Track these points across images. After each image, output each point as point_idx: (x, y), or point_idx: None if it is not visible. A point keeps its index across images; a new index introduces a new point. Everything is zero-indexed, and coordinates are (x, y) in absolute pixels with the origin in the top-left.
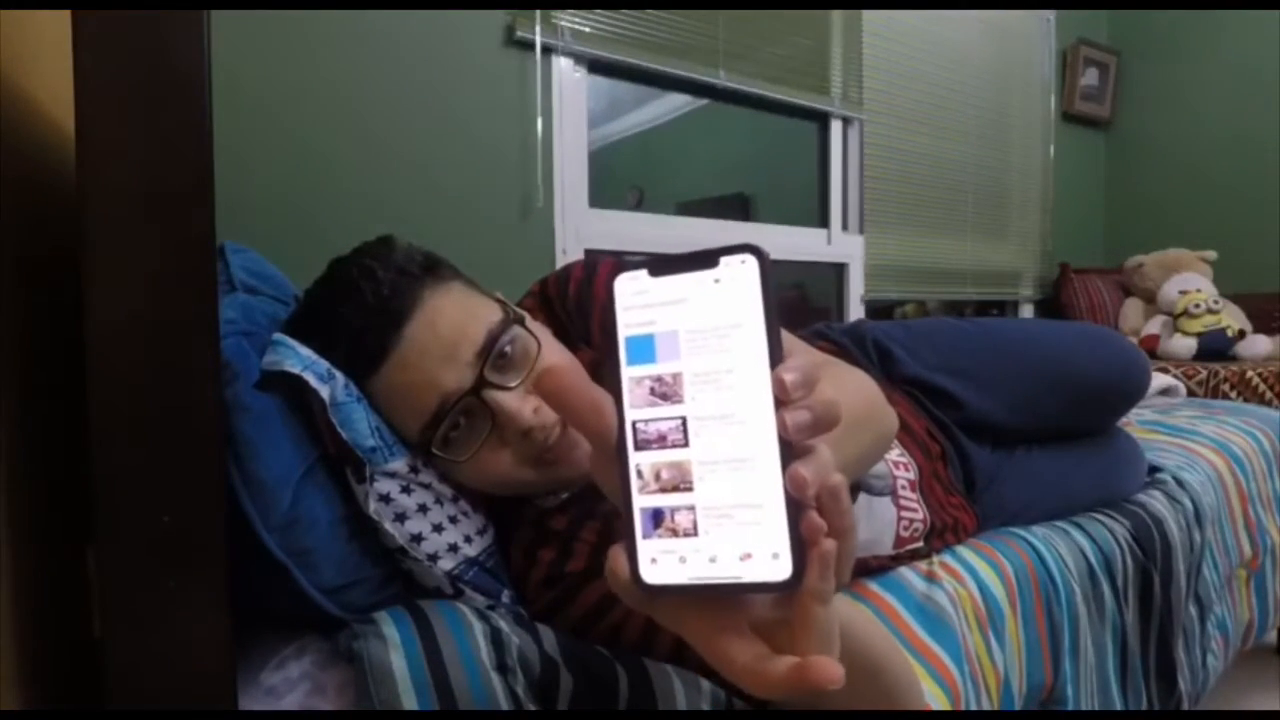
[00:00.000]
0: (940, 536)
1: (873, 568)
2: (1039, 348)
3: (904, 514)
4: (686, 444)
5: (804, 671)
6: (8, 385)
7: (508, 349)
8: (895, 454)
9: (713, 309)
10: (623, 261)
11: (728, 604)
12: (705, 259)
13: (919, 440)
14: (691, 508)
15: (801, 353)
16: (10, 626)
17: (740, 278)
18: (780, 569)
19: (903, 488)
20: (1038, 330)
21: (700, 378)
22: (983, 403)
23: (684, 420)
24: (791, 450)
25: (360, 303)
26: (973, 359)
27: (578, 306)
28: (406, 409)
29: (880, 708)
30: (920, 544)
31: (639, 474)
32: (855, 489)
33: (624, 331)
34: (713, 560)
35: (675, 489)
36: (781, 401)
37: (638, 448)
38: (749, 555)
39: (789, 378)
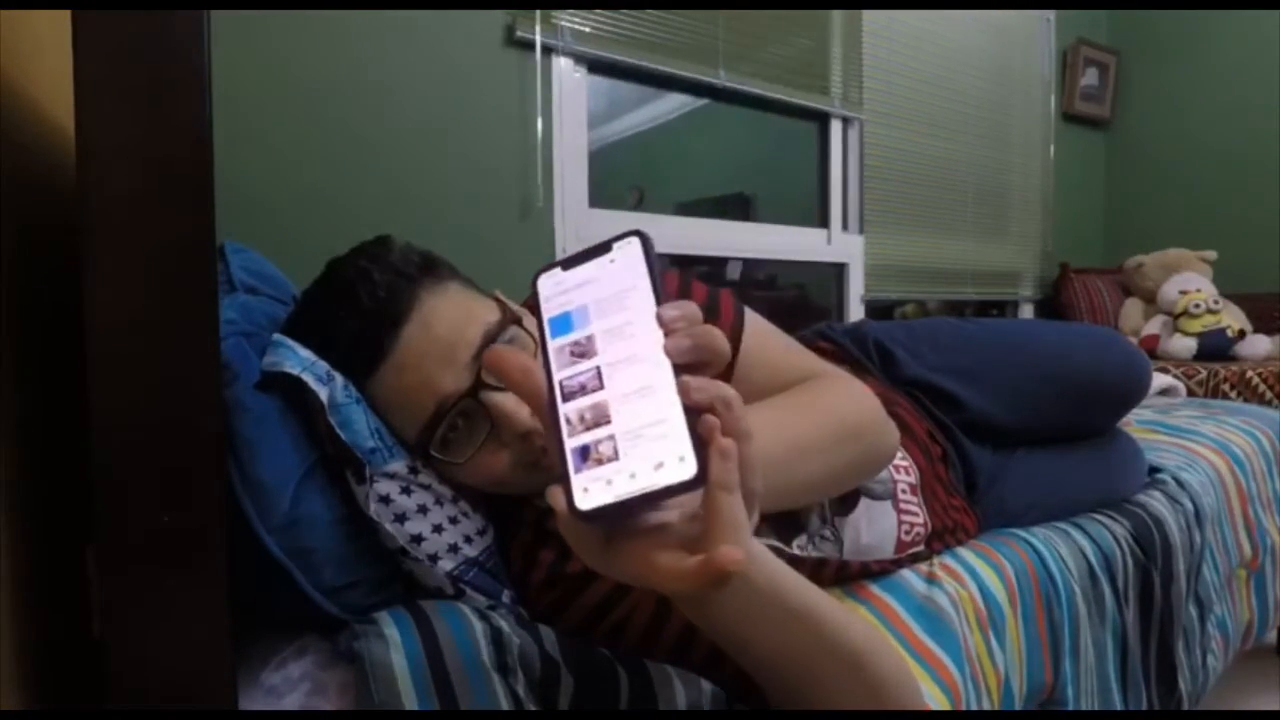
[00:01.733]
0: (940, 539)
1: (874, 571)
2: (1040, 347)
3: (904, 518)
4: (602, 387)
5: (710, 560)
6: (7, 385)
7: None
8: (898, 457)
9: (612, 280)
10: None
11: (654, 529)
12: (601, 248)
13: (920, 442)
14: (612, 437)
15: (686, 304)
16: (10, 626)
17: (629, 254)
18: (687, 469)
19: (903, 492)
20: (1039, 330)
21: (608, 333)
22: (983, 403)
23: (598, 369)
24: (685, 372)
25: (356, 305)
26: (974, 358)
27: None
28: (404, 411)
29: (874, 706)
30: (921, 548)
31: (568, 421)
32: (856, 493)
33: (547, 314)
34: (633, 476)
35: (597, 425)
36: (668, 333)
37: (565, 399)
38: (661, 464)
39: (667, 313)
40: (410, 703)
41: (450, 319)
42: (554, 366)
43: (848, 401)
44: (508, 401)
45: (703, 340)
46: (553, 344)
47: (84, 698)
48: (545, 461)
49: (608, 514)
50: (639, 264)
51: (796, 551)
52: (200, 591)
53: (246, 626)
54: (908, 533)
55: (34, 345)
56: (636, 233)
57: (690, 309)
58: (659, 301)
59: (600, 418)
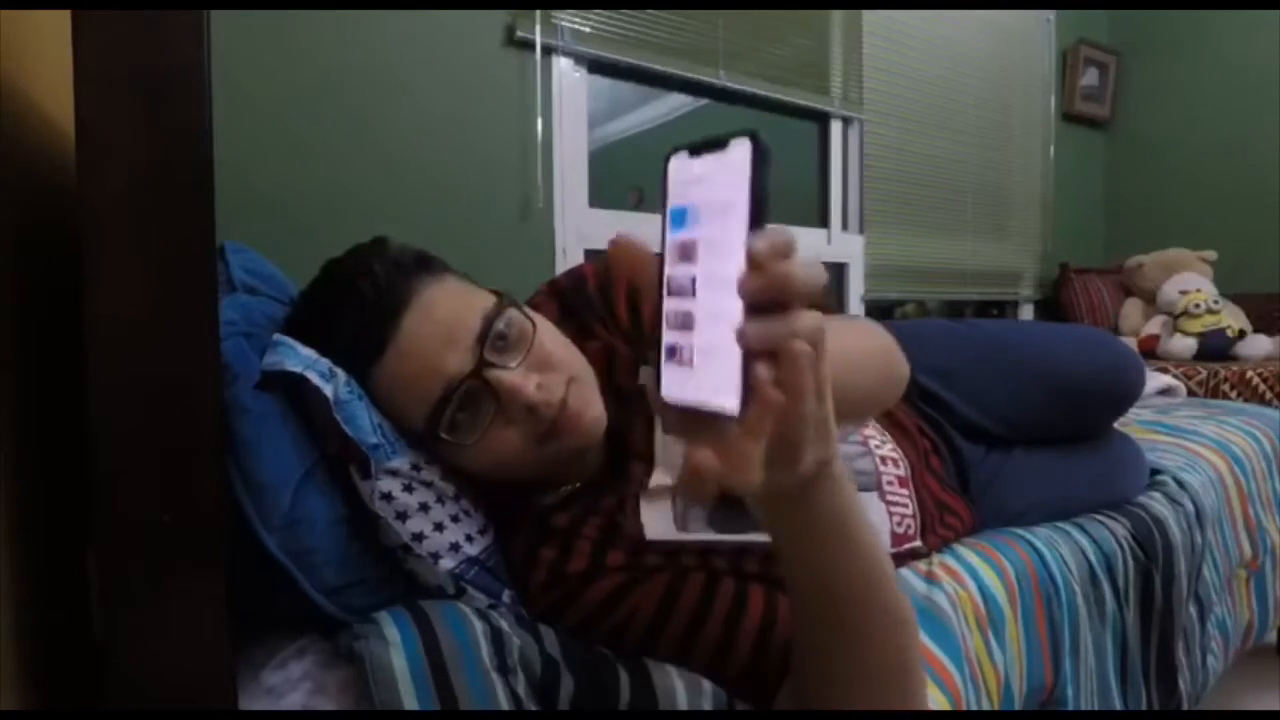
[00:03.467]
0: (934, 532)
1: None
2: (1029, 349)
3: (894, 510)
4: (694, 295)
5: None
6: (7, 385)
7: (505, 330)
8: (887, 449)
9: (719, 185)
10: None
11: (711, 426)
12: (720, 143)
13: (910, 435)
14: (692, 346)
15: (780, 236)
16: (10, 627)
17: (738, 160)
18: (729, 404)
19: (889, 484)
20: (1029, 331)
21: (707, 244)
22: (964, 403)
23: (694, 277)
24: (761, 310)
25: (358, 297)
26: (958, 359)
27: (600, 291)
28: (410, 398)
29: (901, 678)
30: (918, 543)
31: (666, 317)
32: None
33: (671, 202)
34: (697, 389)
35: (684, 329)
36: (754, 266)
37: (669, 294)
38: (716, 389)
39: (755, 245)
40: (410, 703)
41: (449, 306)
42: (667, 260)
43: (860, 337)
44: (513, 376)
45: (779, 282)
46: (671, 236)
47: (84, 698)
48: (553, 430)
49: (676, 408)
50: (743, 176)
51: None
52: (200, 591)
53: (247, 626)
54: (899, 524)
55: (34, 345)
56: (751, 136)
57: (783, 242)
58: (754, 225)
59: (687, 324)
